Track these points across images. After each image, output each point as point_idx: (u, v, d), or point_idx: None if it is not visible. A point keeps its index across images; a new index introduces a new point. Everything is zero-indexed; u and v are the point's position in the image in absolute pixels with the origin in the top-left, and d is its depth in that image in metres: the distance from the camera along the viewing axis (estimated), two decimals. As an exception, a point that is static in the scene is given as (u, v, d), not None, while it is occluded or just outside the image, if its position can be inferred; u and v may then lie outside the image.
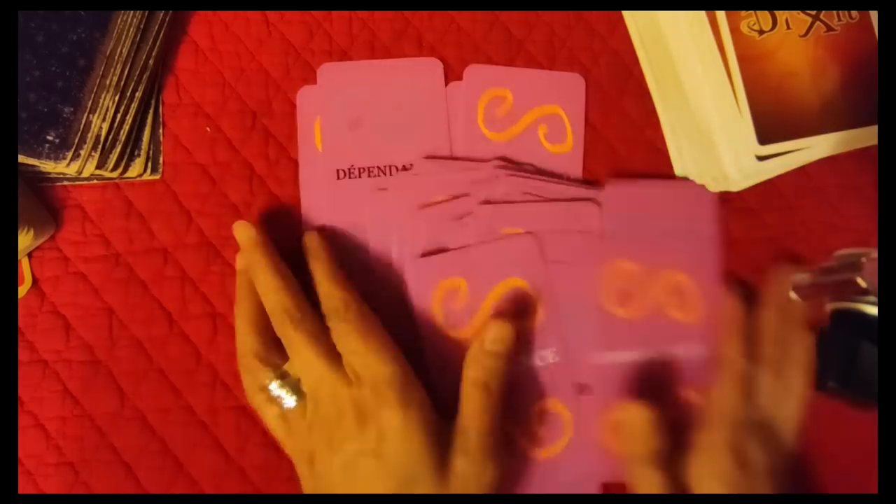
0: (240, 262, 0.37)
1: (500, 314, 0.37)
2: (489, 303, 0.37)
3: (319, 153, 0.39)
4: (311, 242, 0.37)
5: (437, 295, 0.37)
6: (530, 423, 0.37)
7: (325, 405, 0.32)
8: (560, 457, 0.37)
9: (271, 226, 0.39)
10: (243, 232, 0.36)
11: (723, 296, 0.39)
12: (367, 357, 0.32)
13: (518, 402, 0.37)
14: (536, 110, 0.40)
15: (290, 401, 0.34)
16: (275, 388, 0.34)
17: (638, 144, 0.42)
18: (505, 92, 0.40)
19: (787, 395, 0.38)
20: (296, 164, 0.39)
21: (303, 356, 0.33)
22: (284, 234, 0.39)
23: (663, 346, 0.39)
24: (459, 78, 0.41)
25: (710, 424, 0.36)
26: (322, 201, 0.39)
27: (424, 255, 0.37)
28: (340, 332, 0.33)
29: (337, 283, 0.35)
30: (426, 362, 0.37)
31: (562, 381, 0.37)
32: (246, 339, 0.35)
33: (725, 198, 0.41)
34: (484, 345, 0.35)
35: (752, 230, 0.42)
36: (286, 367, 0.34)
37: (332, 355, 0.33)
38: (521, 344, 0.37)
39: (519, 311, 0.37)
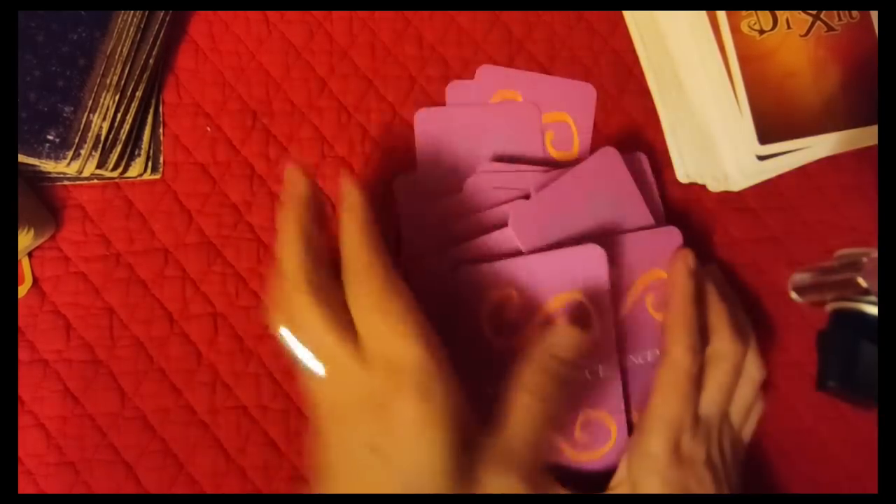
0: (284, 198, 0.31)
1: (569, 321, 0.33)
2: (542, 316, 0.35)
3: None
4: (351, 197, 0.30)
5: (487, 306, 0.35)
6: (574, 429, 0.36)
7: (335, 385, 0.28)
8: (602, 460, 0.37)
9: (272, 225, 0.39)
10: (293, 180, 0.31)
11: (673, 284, 0.36)
12: (384, 335, 0.27)
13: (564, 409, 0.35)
14: (545, 116, 0.40)
15: (304, 355, 0.28)
16: (290, 335, 0.28)
17: (638, 144, 0.42)
18: (515, 94, 0.40)
19: (743, 386, 0.36)
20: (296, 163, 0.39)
21: (312, 327, 0.28)
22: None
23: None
24: (461, 78, 0.41)
25: (649, 429, 0.33)
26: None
27: (474, 261, 0.34)
28: (359, 304, 0.28)
29: (365, 244, 0.29)
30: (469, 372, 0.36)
31: (610, 395, 0.36)
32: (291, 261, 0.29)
33: (725, 198, 0.41)
34: (551, 349, 0.30)
35: (752, 230, 0.42)
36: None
37: (346, 329, 0.28)
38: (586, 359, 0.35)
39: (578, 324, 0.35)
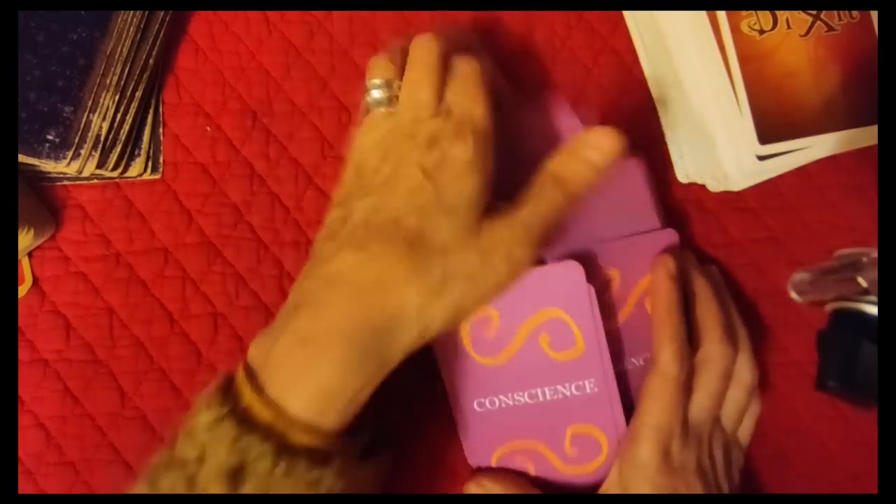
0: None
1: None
2: (523, 334, 0.36)
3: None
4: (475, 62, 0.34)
5: (466, 324, 0.36)
6: (563, 444, 0.36)
7: (404, 123, 0.32)
8: (594, 475, 0.37)
9: (272, 225, 0.39)
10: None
11: (656, 290, 0.36)
12: (468, 99, 0.31)
13: (552, 424, 0.36)
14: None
15: (375, 94, 0.32)
16: (373, 84, 0.33)
17: (638, 144, 0.41)
18: None
19: (735, 390, 0.36)
20: (296, 162, 0.39)
21: (413, 75, 0.32)
22: (287, 233, 0.39)
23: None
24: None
25: (638, 437, 0.34)
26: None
27: None
28: (458, 72, 0.32)
29: (475, 50, 0.34)
30: (448, 389, 0.36)
31: (599, 409, 0.36)
32: (395, 40, 0.35)
33: (725, 198, 0.41)
34: (583, 148, 0.32)
35: (752, 230, 0.42)
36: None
37: (440, 90, 0.32)
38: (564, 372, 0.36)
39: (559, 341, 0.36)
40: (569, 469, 0.36)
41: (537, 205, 0.31)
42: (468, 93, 0.32)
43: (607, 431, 0.36)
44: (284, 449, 0.27)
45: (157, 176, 0.39)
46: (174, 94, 0.39)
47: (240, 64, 0.40)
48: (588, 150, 0.32)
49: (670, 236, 0.38)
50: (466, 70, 0.32)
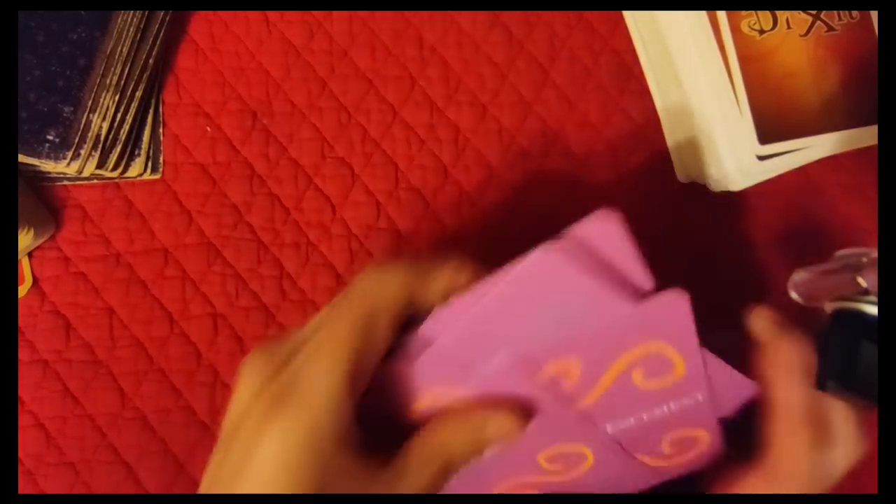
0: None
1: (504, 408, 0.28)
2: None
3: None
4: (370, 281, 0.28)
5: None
6: (541, 467, 0.32)
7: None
8: (584, 478, 0.33)
9: (272, 226, 0.39)
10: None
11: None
12: (311, 355, 0.25)
13: (519, 460, 0.32)
14: None
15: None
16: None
17: (638, 144, 0.42)
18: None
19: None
20: (295, 163, 0.39)
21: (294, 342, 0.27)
22: (287, 233, 0.39)
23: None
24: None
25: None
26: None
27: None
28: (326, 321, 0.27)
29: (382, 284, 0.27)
30: None
31: (552, 430, 0.30)
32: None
33: (725, 198, 0.41)
34: (482, 426, 0.27)
35: (752, 230, 0.42)
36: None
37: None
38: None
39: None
40: (567, 476, 0.33)
41: (416, 485, 0.26)
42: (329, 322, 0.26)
43: (587, 445, 0.32)
44: None
45: (157, 176, 0.39)
46: (174, 94, 0.39)
47: (240, 64, 0.40)
48: (491, 429, 0.27)
49: (675, 301, 0.27)
50: (340, 307, 0.26)
